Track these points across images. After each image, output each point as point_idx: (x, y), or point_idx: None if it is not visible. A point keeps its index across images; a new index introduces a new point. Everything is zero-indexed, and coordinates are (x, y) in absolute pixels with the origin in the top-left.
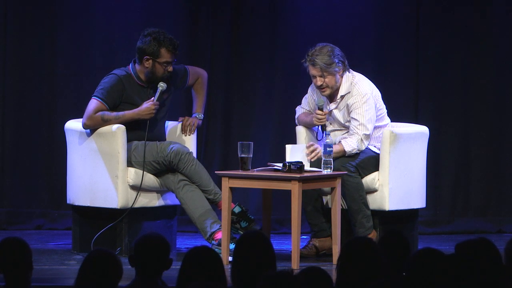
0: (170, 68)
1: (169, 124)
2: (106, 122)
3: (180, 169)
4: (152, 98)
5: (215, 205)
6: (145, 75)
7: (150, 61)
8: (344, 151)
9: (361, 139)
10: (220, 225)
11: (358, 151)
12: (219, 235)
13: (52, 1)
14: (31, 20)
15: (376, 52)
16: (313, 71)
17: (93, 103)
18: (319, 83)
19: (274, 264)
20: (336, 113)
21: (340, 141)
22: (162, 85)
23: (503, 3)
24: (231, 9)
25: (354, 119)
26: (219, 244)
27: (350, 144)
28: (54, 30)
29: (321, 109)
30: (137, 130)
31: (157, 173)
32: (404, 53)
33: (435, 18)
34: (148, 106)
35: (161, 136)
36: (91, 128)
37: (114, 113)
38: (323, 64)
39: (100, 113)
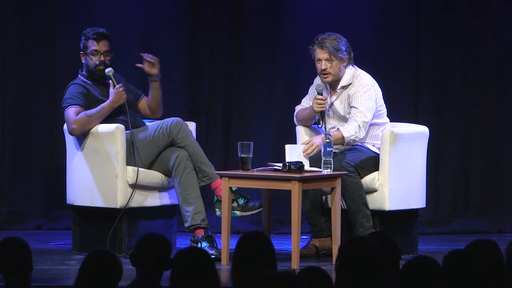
0: (101, 57)
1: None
2: (91, 117)
3: (181, 140)
4: (112, 85)
5: (209, 185)
6: (86, 73)
7: (84, 55)
8: (343, 137)
9: (359, 126)
10: (202, 220)
11: (356, 139)
12: (199, 233)
13: (52, 1)
14: (31, 20)
15: (376, 52)
16: (320, 54)
17: (70, 111)
18: (323, 66)
19: (274, 264)
20: (337, 104)
21: (338, 128)
22: (108, 70)
23: (503, 3)
24: (231, 9)
25: (354, 107)
26: (195, 242)
27: (348, 130)
28: (54, 30)
29: (321, 94)
30: (119, 122)
31: (153, 162)
32: (404, 53)
33: (435, 18)
34: (116, 91)
35: (142, 123)
36: (80, 130)
37: (94, 109)
38: (332, 48)
39: (81, 113)
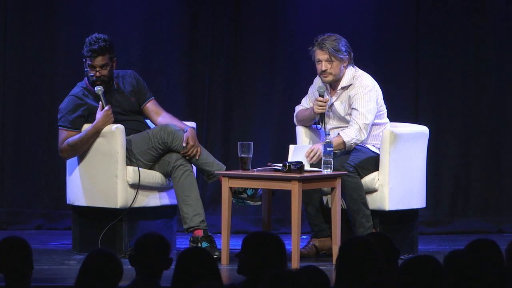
0: (97, 73)
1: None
2: (73, 147)
3: (176, 147)
4: (101, 106)
5: (217, 179)
6: (87, 80)
7: (85, 63)
8: (344, 142)
9: (360, 128)
10: (201, 221)
11: (358, 142)
12: (198, 233)
13: (52, 1)
14: (31, 20)
15: (376, 52)
16: (320, 55)
17: (61, 134)
18: (323, 67)
19: (285, 263)
20: (337, 105)
21: (338, 133)
22: (97, 89)
23: (503, 3)
24: (231, 9)
25: (355, 109)
26: (194, 242)
27: (349, 134)
28: (54, 30)
29: (322, 96)
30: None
31: (154, 164)
32: (404, 53)
33: (435, 18)
34: (103, 114)
35: (144, 129)
36: (67, 158)
37: (77, 136)
38: (332, 49)
39: (65, 141)
